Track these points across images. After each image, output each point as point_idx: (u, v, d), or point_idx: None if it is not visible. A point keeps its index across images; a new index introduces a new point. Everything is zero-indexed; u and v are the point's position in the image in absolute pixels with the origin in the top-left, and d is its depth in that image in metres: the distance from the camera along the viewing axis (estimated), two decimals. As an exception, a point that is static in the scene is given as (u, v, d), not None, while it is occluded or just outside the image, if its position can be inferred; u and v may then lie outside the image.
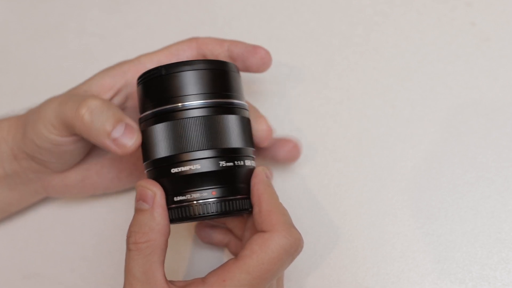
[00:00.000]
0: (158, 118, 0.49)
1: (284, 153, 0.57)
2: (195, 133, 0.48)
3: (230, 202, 0.48)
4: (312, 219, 0.57)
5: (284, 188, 0.59)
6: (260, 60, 0.54)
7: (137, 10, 0.71)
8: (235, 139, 0.49)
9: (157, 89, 0.49)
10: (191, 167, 0.48)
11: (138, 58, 0.55)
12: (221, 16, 0.68)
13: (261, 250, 0.46)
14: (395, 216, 0.57)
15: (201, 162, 0.48)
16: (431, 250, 0.56)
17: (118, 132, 0.49)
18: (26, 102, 0.67)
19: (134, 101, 0.55)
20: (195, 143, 0.48)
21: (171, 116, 0.48)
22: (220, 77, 0.50)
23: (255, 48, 0.54)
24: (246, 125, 0.50)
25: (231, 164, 0.48)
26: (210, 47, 0.54)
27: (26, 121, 0.55)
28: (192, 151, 0.48)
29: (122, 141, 0.49)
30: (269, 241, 0.47)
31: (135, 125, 0.50)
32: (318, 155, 0.60)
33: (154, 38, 0.69)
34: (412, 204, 0.58)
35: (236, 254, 0.55)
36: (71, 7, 0.72)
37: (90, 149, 0.57)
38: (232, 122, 0.49)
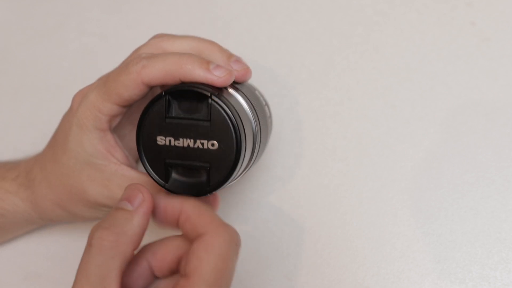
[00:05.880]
0: None
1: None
2: None
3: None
4: (312, 219, 0.57)
5: (284, 188, 0.59)
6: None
7: (137, 10, 0.71)
8: None
9: None
10: None
11: None
12: (221, 16, 0.68)
13: (208, 253, 0.41)
14: (395, 216, 0.57)
15: None
16: (431, 250, 0.56)
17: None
18: (26, 102, 0.68)
19: None
20: None
21: None
22: None
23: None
24: None
25: None
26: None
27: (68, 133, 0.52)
28: None
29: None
30: (211, 241, 0.42)
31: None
32: (318, 155, 0.60)
33: (154, 38, 0.69)
34: (412, 204, 0.58)
35: None
36: (71, 7, 0.72)
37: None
38: None
